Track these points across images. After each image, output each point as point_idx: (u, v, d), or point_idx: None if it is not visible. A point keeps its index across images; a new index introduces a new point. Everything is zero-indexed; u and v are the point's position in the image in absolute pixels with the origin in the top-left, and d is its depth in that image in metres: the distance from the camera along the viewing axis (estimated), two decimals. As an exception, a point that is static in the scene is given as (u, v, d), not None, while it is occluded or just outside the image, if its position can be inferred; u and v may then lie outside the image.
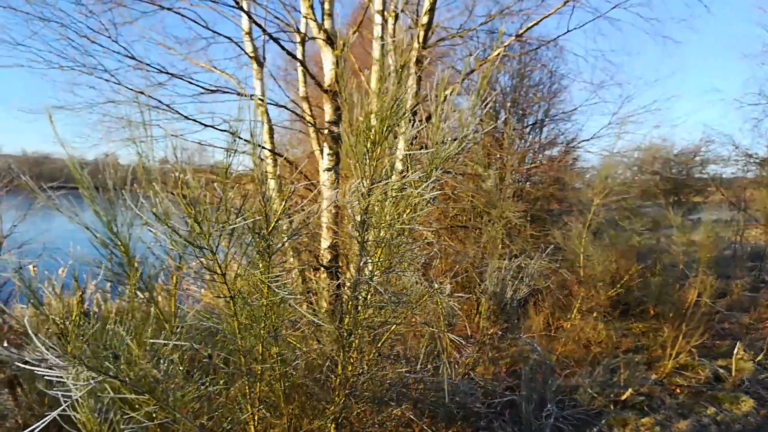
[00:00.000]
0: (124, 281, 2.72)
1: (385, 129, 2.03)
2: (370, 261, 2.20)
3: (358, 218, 2.07)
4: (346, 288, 2.39)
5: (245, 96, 6.05)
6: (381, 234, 2.17)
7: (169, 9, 4.89)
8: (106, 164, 3.11)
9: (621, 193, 7.15)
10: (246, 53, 6.77)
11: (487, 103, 2.47)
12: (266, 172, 6.12)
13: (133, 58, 4.67)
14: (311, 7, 5.69)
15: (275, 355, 2.09)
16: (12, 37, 4.60)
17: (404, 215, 2.17)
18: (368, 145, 2.05)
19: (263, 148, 6.08)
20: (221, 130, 5.40)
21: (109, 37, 4.55)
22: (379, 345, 2.22)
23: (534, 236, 6.84)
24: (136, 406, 2.00)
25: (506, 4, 6.99)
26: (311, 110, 6.80)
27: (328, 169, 6.16)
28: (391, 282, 2.34)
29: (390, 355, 2.37)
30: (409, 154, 2.20)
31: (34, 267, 6.98)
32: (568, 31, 6.39)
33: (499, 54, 6.84)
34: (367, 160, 2.05)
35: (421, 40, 6.63)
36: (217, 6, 6.06)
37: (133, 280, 2.25)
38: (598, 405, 4.17)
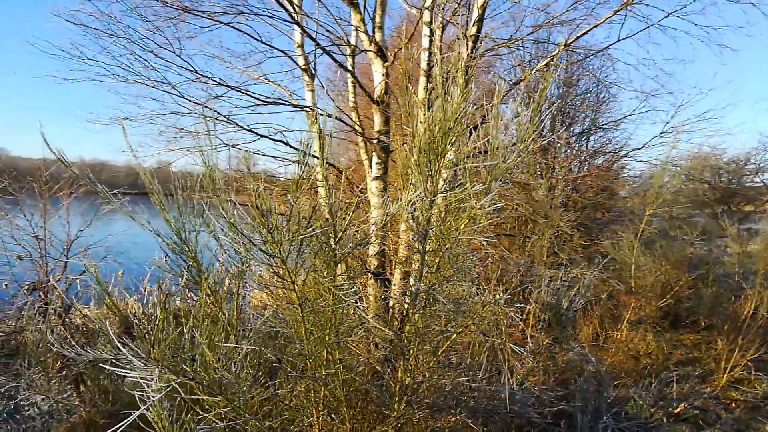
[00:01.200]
0: (194, 286, 2.84)
1: (447, 141, 2.08)
2: (429, 270, 2.25)
3: (420, 229, 2.12)
4: (402, 295, 2.44)
5: (299, 107, 6.20)
6: (441, 244, 2.21)
7: (227, 24, 5.07)
8: (176, 173, 3.25)
9: (673, 202, 6.99)
10: (298, 66, 6.94)
11: (545, 114, 2.49)
12: (321, 180, 6.24)
13: (195, 71, 4.87)
14: (362, 20, 5.80)
15: (338, 361, 2.16)
16: (82, 52, 4.85)
17: (464, 226, 2.21)
18: (431, 157, 2.10)
19: (318, 158, 6.20)
20: (275, 140, 5.56)
21: (173, 51, 4.76)
22: (439, 353, 2.26)
23: (582, 246, 6.75)
24: (206, 407, 2.09)
25: (554, 13, 6.95)
26: (360, 120, 6.91)
27: (377, 178, 6.24)
28: (449, 291, 2.38)
29: (448, 364, 2.41)
30: (467, 165, 2.24)
31: (96, 270, 7.29)
32: (619, 40, 6.31)
33: (547, 63, 6.81)
34: (430, 172, 2.10)
35: (469, 50, 6.66)
36: (272, 21, 6.26)
37: (204, 285, 2.36)
38: (652, 418, 4.10)
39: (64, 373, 5.22)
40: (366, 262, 6.01)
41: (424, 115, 2.33)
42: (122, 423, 1.69)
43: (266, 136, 5.37)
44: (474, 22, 6.72)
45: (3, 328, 6.14)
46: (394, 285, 4.47)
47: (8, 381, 7.02)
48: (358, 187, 7.12)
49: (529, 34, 7.65)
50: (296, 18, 5.35)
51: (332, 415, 2.20)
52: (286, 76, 7.45)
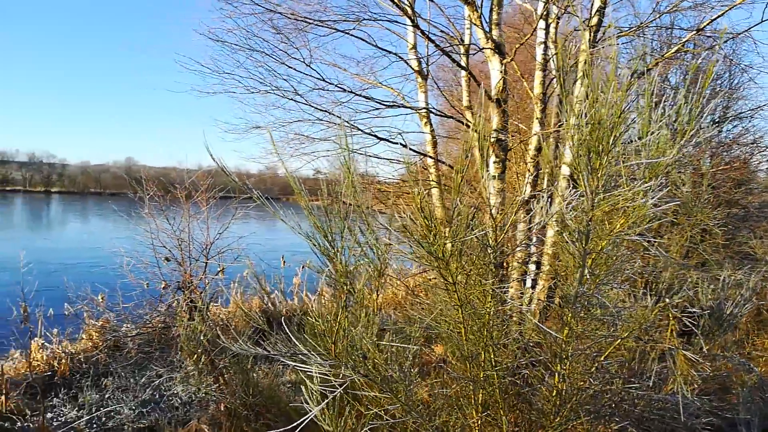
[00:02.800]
0: (340, 286, 2.94)
1: (611, 138, 2.00)
2: (588, 273, 2.18)
3: (581, 230, 2.06)
4: (547, 299, 2.38)
5: (415, 109, 6.27)
6: (601, 245, 2.14)
7: (343, 32, 5.23)
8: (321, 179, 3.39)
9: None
10: (411, 68, 7.02)
11: (705, 106, 2.34)
12: (430, 180, 6.24)
13: (323, 79, 5.08)
14: (480, 17, 5.75)
15: (496, 362, 2.14)
16: (220, 66, 5.23)
17: (620, 226, 2.12)
18: (593, 154, 2.03)
19: (432, 158, 6.27)
20: (394, 143, 5.65)
21: (303, 61, 5.00)
22: (601, 359, 2.18)
23: (723, 245, 6.24)
24: (366, 404, 2.16)
25: (680, -3, 6.50)
26: (474, 118, 6.86)
27: (495, 177, 6.16)
28: (606, 294, 2.29)
29: (609, 370, 2.32)
30: (631, 162, 2.14)
31: (222, 269, 7.80)
32: (762, 21, 5.77)
33: (677, 50, 6.39)
34: (592, 171, 2.03)
35: (589, 41, 6.41)
36: (387, 25, 6.39)
37: (362, 282, 2.44)
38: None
39: (203, 365, 5.58)
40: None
41: (578, 110, 2.26)
42: (303, 419, 1.78)
43: (386, 140, 5.48)
44: (594, 12, 6.47)
45: (155, 323, 6.72)
46: (539, 288, 4.38)
47: (153, 373, 7.67)
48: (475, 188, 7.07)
49: (653, 20, 7.22)
50: (415, 21, 5.40)
51: (490, 417, 2.19)
52: (398, 79, 7.56)
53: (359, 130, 5.61)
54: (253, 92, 5.19)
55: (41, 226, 36.92)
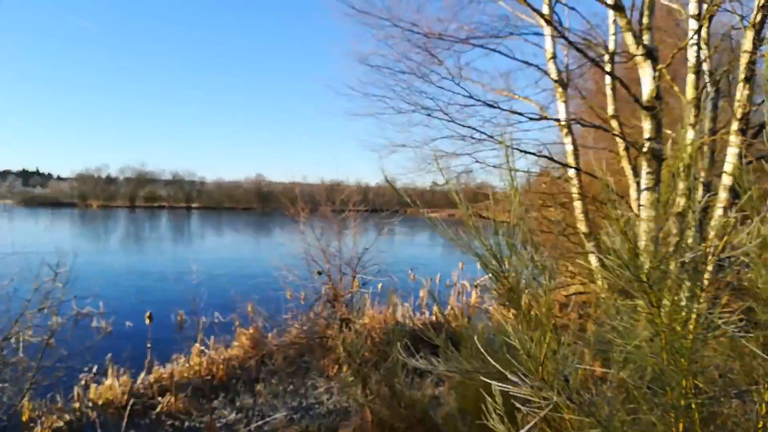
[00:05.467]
0: (511, 305, 2.94)
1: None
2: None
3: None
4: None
5: (559, 120, 6.14)
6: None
7: (493, 50, 5.26)
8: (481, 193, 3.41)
9: None
10: (550, 78, 6.89)
11: None
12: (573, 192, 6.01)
13: (471, 96, 5.15)
14: (629, 23, 5.52)
15: (696, 390, 2.03)
16: (369, 90, 5.50)
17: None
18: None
19: (577, 169, 6.08)
20: (539, 155, 5.56)
21: (452, 80, 5.11)
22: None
23: None
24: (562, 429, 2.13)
25: None
26: (621, 128, 6.57)
27: (648, 189, 5.85)
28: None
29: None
30: None
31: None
32: None
33: None
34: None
35: (752, 40, 5.90)
36: (525, 37, 6.33)
37: (545, 305, 2.42)
38: None
39: (354, 375, 5.77)
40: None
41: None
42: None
43: (533, 153, 5.41)
44: (758, 8, 5.95)
45: (302, 333, 7.12)
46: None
47: (300, 381, 8.09)
48: (623, 199, 6.75)
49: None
50: (562, 31, 5.30)
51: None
52: (534, 90, 7.44)
53: (500, 142, 5.58)
54: (402, 112, 5.38)
55: (186, 239, 40.49)
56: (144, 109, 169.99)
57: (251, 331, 9.45)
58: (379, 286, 10.50)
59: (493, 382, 1.93)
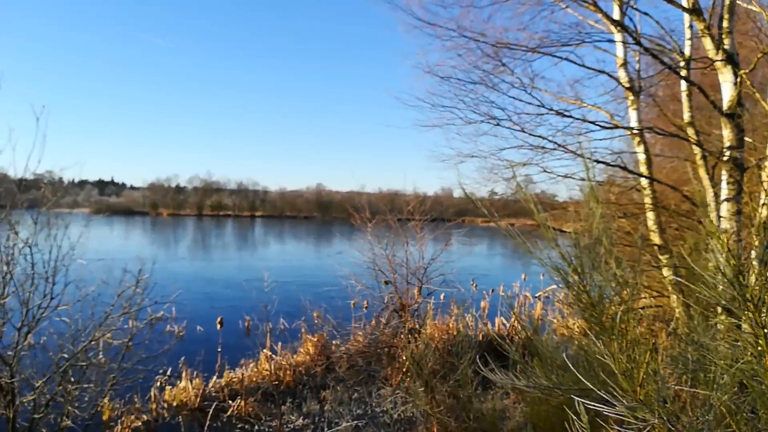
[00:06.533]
0: (592, 319, 2.88)
1: None
2: None
3: None
4: None
5: (629, 129, 5.96)
6: None
7: (564, 58, 5.17)
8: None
9: None
10: (621, 85, 6.71)
11: None
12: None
13: (542, 105, 5.09)
14: (708, 27, 5.31)
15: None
16: (438, 101, 5.52)
17: None
18: None
19: (650, 179, 5.88)
20: (612, 165, 5.41)
21: (524, 89, 5.07)
22: None
23: None
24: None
25: None
26: (698, 136, 6.30)
27: (728, 200, 5.58)
28: None
29: None
30: None
31: (430, 293, 8.07)
32: None
33: None
34: None
35: None
36: (596, 44, 6.20)
37: (625, 322, 2.36)
38: None
39: (421, 385, 5.77)
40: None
41: None
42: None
43: (607, 162, 5.26)
44: None
45: (378, 343, 7.18)
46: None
47: (364, 389, 8.15)
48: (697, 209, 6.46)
49: None
50: (636, 37, 5.16)
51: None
52: (603, 98, 7.26)
53: (571, 152, 5.48)
54: (471, 122, 5.37)
55: (251, 246, 41.69)
56: (210, 121, 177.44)
57: (317, 338, 9.62)
58: (441, 296, 10.47)
59: (583, 400, 1.90)
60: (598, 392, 1.88)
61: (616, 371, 1.88)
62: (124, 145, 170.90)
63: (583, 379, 1.91)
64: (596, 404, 1.82)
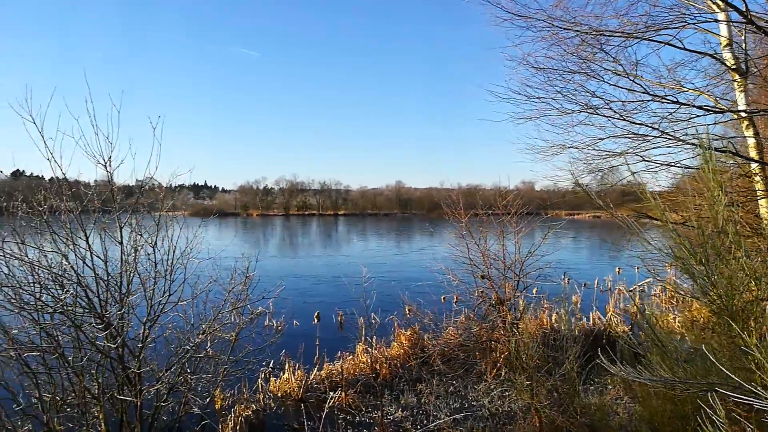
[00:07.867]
0: (721, 311, 2.79)
1: None
2: None
3: None
4: None
5: (737, 112, 5.60)
6: None
7: (665, 42, 4.96)
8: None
9: None
10: (727, 66, 6.33)
11: None
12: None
13: (646, 92, 4.90)
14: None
15: None
16: (532, 92, 5.44)
17: None
18: None
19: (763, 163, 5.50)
20: (722, 151, 5.12)
21: (627, 76, 4.90)
22: None
23: None
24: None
25: None
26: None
27: None
28: None
29: None
30: None
31: (525, 287, 7.98)
32: None
33: None
34: None
35: None
36: (695, 25, 5.89)
37: (758, 313, 2.28)
38: None
39: (525, 379, 5.72)
40: None
41: None
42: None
43: (719, 149, 4.99)
44: None
45: (473, 337, 7.21)
46: None
47: (459, 383, 8.19)
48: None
49: None
50: (746, 14, 4.85)
51: None
52: (703, 82, 6.86)
53: (677, 139, 5.23)
54: (567, 113, 5.25)
55: (335, 243, 42.70)
56: (296, 124, 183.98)
57: (410, 332, 9.76)
58: (534, 290, 10.32)
59: (726, 392, 1.86)
60: (743, 385, 1.84)
61: (753, 363, 1.83)
62: (215, 150, 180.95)
63: (725, 371, 1.87)
64: (744, 397, 1.78)
